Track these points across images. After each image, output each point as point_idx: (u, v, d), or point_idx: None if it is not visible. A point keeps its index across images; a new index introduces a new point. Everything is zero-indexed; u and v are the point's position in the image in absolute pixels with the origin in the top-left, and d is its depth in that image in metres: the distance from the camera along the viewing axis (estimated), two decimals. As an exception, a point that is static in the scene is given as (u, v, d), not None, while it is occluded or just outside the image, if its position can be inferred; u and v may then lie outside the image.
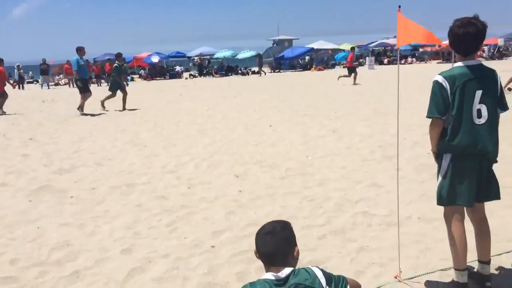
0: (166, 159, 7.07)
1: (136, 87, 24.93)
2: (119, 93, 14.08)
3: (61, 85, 32.93)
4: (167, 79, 34.74)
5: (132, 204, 4.99)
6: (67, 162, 7.04)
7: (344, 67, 39.63)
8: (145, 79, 34.89)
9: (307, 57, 42.75)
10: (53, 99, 19.15)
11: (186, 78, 34.16)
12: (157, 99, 17.67)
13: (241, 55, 42.23)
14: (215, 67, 39.24)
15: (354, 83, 19.97)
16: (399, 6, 3.34)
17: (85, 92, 13.21)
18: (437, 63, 38.68)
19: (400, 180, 4.12)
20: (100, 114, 13.14)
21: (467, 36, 2.75)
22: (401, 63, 39.42)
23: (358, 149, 7.08)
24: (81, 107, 13.06)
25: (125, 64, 35.74)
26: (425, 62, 42.54)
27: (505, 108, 2.89)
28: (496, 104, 2.84)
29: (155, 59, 36.29)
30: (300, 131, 8.90)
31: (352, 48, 23.79)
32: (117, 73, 14.13)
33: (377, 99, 13.68)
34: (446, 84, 2.77)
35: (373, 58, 38.15)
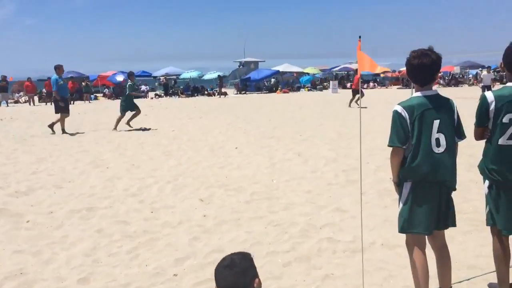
0: (129, 181, 6.90)
1: (100, 106, 24.46)
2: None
3: (21, 103, 31.87)
4: (132, 98, 34.27)
5: (92, 230, 4.82)
6: (24, 184, 6.75)
7: (309, 90, 40.39)
8: (109, 98, 34.31)
9: (272, 80, 43.29)
10: (12, 117, 18.46)
11: (152, 98, 33.79)
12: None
13: (207, 76, 42.34)
14: (181, 87, 39.11)
15: (350, 106, 19.71)
16: (359, 37, 3.50)
17: (64, 112, 12.79)
18: (397, 88, 40.03)
19: (363, 205, 4.18)
20: (63, 134, 12.74)
21: (422, 67, 2.85)
22: (363, 88, 40.55)
23: (323, 173, 7.16)
24: (62, 129, 12.64)
25: (88, 83, 34.89)
26: (386, 87, 43.94)
27: (462, 136, 2.99)
28: (454, 133, 2.94)
29: (120, 78, 35.79)
30: (266, 154, 8.93)
31: (357, 71, 24.02)
32: (131, 91, 13.91)
33: (341, 122, 13.94)
34: (405, 114, 2.86)
35: (336, 82, 39.01)
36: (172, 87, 39.39)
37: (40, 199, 6.00)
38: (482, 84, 20.79)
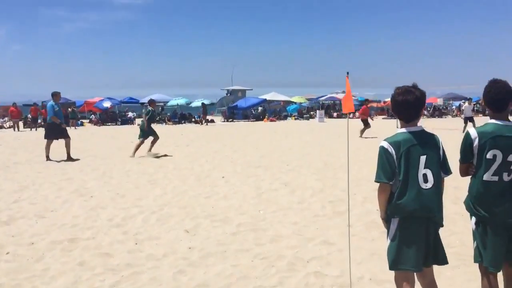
0: (114, 211, 6.78)
1: (86, 132, 24.27)
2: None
3: (5, 128, 31.51)
4: (118, 125, 34.15)
5: (73, 262, 4.68)
6: (5, 214, 6.59)
7: (296, 118, 40.73)
8: (95, 124, 34.14)
9: (260, 108, 43.65)
10: (-6, 143, 18.21)
11: (138, 125, 33.71)
12: (107, 146, 17.23)
13: (195, 103, 42.51)
14: (168, 114, 39.14)
15: (360, 135, 18.92)
16: (347, 73, 3.61)
17: (54, 138, 12.66)
18: (383, 118, 40.63)
19: (351, 238, 4.16)
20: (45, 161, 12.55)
21: (406, 103, 2.92)
22: (349, 117, 41.04)
23: (309, 204, 7.13)
24: (46, 156, 12.48)
25: (74, 109, 34.69)
26: (371, 118, 44.52)
27: (448, 172, 3.02)
28: (440, 168, 2.97)
29: (107, 104, 35.77)
30: (253, 184, 8.89)
31: (366, 101, 24.14)
32: (151, 118, 14.07)
33: (328, 152, 14.02)
34: (391, 150, 2.89)
35: (323, 112, 39.49)
36: (159, 114, 39.42)
37: (21, 229, 5.85)
38: (464, 116, 21.23)
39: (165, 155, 13.45)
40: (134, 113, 38.92)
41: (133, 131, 26.19)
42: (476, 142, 3.01)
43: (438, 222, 2.96)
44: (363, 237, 5.40)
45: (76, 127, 30.57)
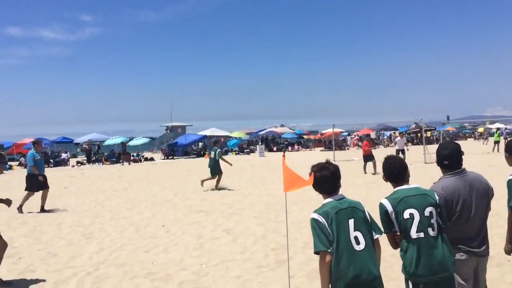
0: (44, 274, 6.33)
1: (14, 177, 22.77)
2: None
3: None
4: (51, 167, 32.44)
5: None
6: None
7: (236, 153, 40.89)
8: (26, 167, 32.19)
9: (200, 144, 43.47)
10: None
11: (73, 166, 32.26)
12: (37, 194, 16.20)
13: (133, 142, 41.56)
14: (105, 154, 37.86)
15: (375, 172, 18.03)
16: (284, 155, 3.87)
17: (36, 190, 12.02)
18: (320, 150, 41.81)
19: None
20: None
21: (324, 178, 3.18)
22: (288, 150, 41.92)
23: (252, 253, 7.07)
24: (20, 205, 11.78)
25: (2, 152, 32.78)
26: (310, 149, 45.76)
27: (377, 231, 3.17)
28: (370, 229, 3.12)
29: (38, 145, 33.93)
30: (194, 232, 8.72)
31: (367, 136, 23.92)
32: (219, 156, 15.27)
33: (269, 192, 14.11)
34: (322, 219, 3.04)
35: (263, 146, 39.99)
36: (95, 153, 38.06)
37: None
38: (397, 148, 22.38)
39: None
40: (68, 154, 37.24)
41: (67, 174, 24.90)
42: (390, 209, 3.25)
43: (379, 285, 3.04)
44: (305, 289, 5.41)
45: (4, 171, 28.66)
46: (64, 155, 35.91)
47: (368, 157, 18.84)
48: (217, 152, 15.34)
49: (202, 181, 15.44)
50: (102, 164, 33.47)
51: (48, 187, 12.37)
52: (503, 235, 3.99)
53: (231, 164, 15.99)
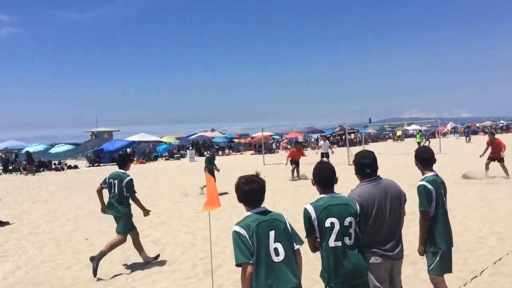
0: (-49, 300, 5.82)
1: None
2: None
3: None
4: (-40, 178, 29.81)
5: None
6: None
7: (166, 159, 40.13)
8: None
9: (128, 149, 42.13)
10: None
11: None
12: None
13: (55, 149, 39.39)
14: (24, 162, 35.48)
15: (298, 176, 18.51)
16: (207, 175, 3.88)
17: None
18: (251, 154, 42.27)
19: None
20: None
21: (253, 191, 3.23)
22: (218, 155, 41.91)
23: (180, 264, 6.98)
24: None
25: None
26: (241, 153, 46.08)
27: (298, 242, 3.27)
28: (291, 240, 3.21)
29: None
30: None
31: (296, 143, 23.37)
32: (209, 162, 14.96)
33: (199, 199, 13.96)
34: (243, 232, 3.08)
35: (193, 151, 39.63)
36: (12, 162, 35.57)
37: None
38: (322, 151, 23.21)
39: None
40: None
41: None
42: (314, 216, 3.37)
43: None
44: (233, 298, 5.44)
45: None
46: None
47: (296, 162, 19.20)
48: (207, 158, 15.23)
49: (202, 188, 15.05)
50: (20, 173, 31.35)
51: None
52: (417, 234, 4.28)
53: (218, 170, 15.37)
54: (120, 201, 6.90)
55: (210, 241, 4.73)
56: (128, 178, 6.92)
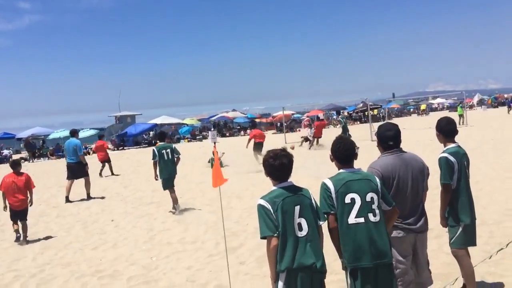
0: (-16, 281, 6.03)
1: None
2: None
3: None
4: (-8, 164, 30.77)
5: None
6: None
7: (189, 141, 40.43)
8: (-37, 166, 30.32)
9: (151, 132, 42.58)
10: None
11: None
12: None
13: (80, 134, 40.04)
14: (51, 148, 36.33)
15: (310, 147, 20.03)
16: (215, 149, 3.92)
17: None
18: (272, 133, 42.09)
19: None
20: None
21: (283, 166, 3.17)
22: (241, 135, 41.96)
23: (203, 242, 7.06)
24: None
25: None
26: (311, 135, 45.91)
27: (322, 218, 3.19)
28: (315, 216, 3.15)
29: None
30: (145, 224, 8.58)
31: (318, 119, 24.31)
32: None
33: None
34: (268, 206, 3.06)
35: (215, 132, 39.71)
36: (40, 148, 36.43)
37: None
38: (305, 135, 23.27)
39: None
40: (11, 150, 35.44)
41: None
42: (333, 191, 3.21)
43: (319, 270, 3.08)
44: (255, 274, 5.47)
45: None
46: (5, 152, 34.16)
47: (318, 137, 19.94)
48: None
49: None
50: (48, 159, 32.15)
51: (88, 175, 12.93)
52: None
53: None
54: (174, 163, 9.51)
55: (222, 218, 4.71)
56: (173, 145, 9.78)
